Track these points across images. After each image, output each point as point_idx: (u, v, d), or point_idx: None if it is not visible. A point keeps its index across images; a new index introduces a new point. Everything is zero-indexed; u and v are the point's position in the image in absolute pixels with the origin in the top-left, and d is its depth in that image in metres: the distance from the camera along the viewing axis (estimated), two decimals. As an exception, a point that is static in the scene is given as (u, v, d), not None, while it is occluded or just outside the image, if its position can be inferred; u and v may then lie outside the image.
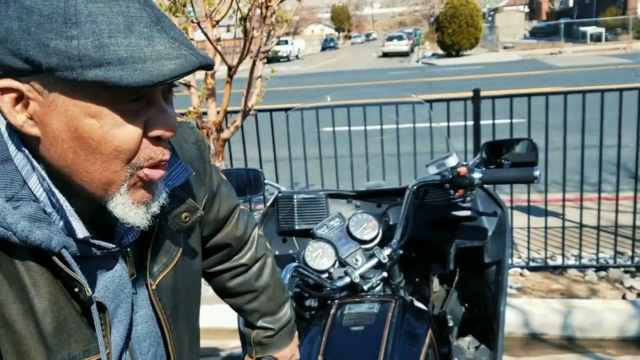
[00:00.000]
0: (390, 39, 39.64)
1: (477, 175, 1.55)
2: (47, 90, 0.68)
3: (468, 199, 1.63)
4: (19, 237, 0.68)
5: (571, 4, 46.39)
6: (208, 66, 0.72)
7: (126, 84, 0.65)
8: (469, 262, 1.76)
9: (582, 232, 3.90)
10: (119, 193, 0.74)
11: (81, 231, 0.74)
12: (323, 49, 57.81)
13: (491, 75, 18.02)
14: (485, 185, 1.78)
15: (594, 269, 3.91)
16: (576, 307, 3.28)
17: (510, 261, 4.02)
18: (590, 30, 31.11)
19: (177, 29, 0.72)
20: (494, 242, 1.71)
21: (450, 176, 1.58)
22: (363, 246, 1.74)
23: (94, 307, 0.75)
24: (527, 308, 3.31)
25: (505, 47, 32.25)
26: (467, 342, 1.71)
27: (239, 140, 4.05)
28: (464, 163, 1.59)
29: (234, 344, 3.22)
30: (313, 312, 1.68)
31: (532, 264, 4.00)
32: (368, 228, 1.77)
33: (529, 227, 3.96)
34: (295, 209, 1.89)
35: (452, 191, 1.59)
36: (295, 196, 1.90)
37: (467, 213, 1.71)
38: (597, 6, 37.67)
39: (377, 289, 1.67)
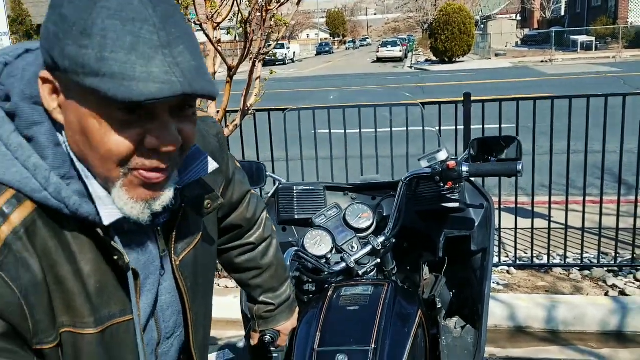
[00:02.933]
0: (384, 44, 39.92)
1: (464, 168, 1.68)
2: (66, 88, 0.78)
3: (456, 191, 1.76)
4: (70, 210, 0.80)
5: (562, 13, 46.88)
6: (194, 95, 0.77)
7: (112, 96, 0.72)
8: (456, 251, 1.89)
9: (568, 233, 4.03)
10: (115, 187, 0.81)
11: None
12: (318, 53, 57.98)
13: (482, 82, 18.23)
14: (473, 180, 1.92)
15: (578, 268, 4.05)
16: (560, 302, 3.42)
17: (497, 258, 4.16)
18: (581, 39, 31.47)
19: (188, 55, 0.76)
20: (480, 232, 1.84)
21: (440, 169, 1.71)
22: (358, 235, 1.87)
23: (130, 274, 0.88)
24: (513, 302, 3.45)
25: (497, 55, 32.55)
26: (454, 323, 1.84)
27: (237, 138, 4.16)
28: (453, 157, 1.73)
29: (230, 334, 3.33)
30: (311, 295, 1.80)
31: (518, 262, 4.14)
32: (363, 218, 1.90)
33: (516, 228, 4.10)
34: (295, 199, 2.01)
35: (441, 183, 1.72)
36: (294, 188, 2.03)
37: (456, 205, 1.84)
38: (588, 15, 38.11)
39: (371, 274, 1.80)
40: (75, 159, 0.82)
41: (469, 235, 1.85)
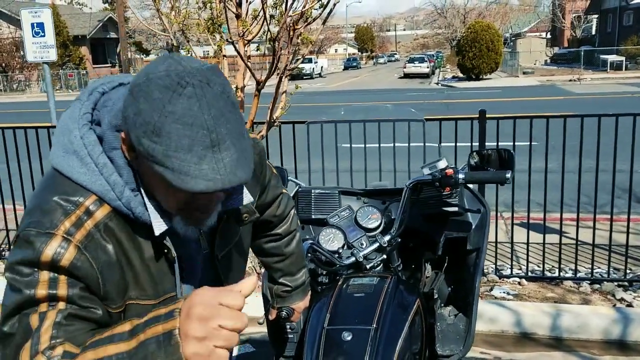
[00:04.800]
0: (411, 60, 40.09)
1: (460, 175, 1.91)
2: (141, 156, 1.00)
3: (455, 195, 1.99)
4: (136, 216, 1.07)
5: (593, 32, 46.51)
6: (230, 189, 0.99)
7: (173, 185, 0.94)
8: (455, 250, 2.10)
9: (578, 249, 4.15)
10: (174, 217, 1.08)
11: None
12: (345, 68, 58.30)
13: (508, 100, 18.30)
14: (472, 187, 2.13)
15: (589, 282, 4.17)
16: (564, 311, 3.57)
17: (509, 270, 4.32)
18: (611, 58, 31.29)
19: (232, 149, 0.96)
20: (476, 234, 2.06)
21: (440, 176, 1.94)
22: (368, 234, 2.10)
23: (176, 265, 1.16)
24: (519, 310, 3.61)
25: (524, 73, 32.49)
26: (447, 311, 2.06)
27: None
28: (452, 166, 1.95)
29: (250, 330, 3.55)
30: (324, 286, 2.03)
31: (530, 274, 4.29)
32: (372, 219, 2.13)
33: (528, 242, 4.26)
34: (313, 201, 2.26)
35: (440, 188, 1.95)
36: (312, 191, 2.28)
37: (455, 209, 2.06)
38: (618, 35, 37.78)
39: (378, 269, 2.02)
40: (139, 181, 1.07)
41: (466, 236, 2.07)
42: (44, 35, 5.53)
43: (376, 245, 2.01)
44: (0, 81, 37.24)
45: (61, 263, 0.99)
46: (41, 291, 0.99)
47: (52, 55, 5.54)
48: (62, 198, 1.04)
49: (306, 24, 4.36)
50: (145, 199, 1.07)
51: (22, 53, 36.30)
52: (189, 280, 1.21)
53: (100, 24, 41.17)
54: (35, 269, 0.99)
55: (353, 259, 1.97)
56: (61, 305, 0.99)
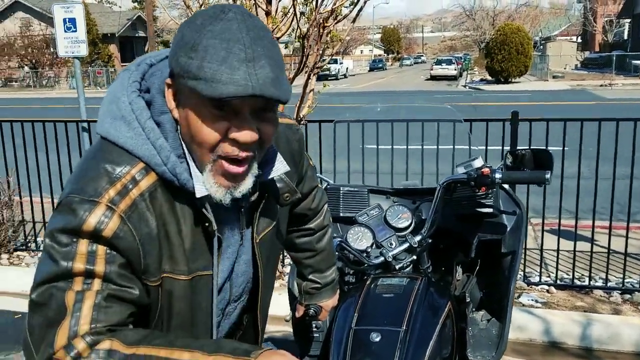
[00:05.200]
0: (439, 62, 39.80)
1: (497, 175, 1.85)
2: (178, 90, 1.04)
3: (490, 196, 1.92)
4: (180, 183, 1.05)
5: (625, 36, 45.57)
6: (263, 97, 0.96)
7: (204, 94, 0.95)
8: (488, 253, 2.04)
9: (610, 258, 4.03)
10: (205, 171, 1.04)
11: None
12: (371, 69, 58.17)
13: (537, 103, 18.00)
14: (507, 188, 2.07)
15: (620, 292, 4.05)
16: (595, 321, 3.47)
17: (538, 277, 4.22)
18: (644, 63, 30.58)
19: (268, 68, 0.97)
20: (511, 236, 1.99)
21: (475, 175, 1.87)
22: (397, 233, 2.04)
23: (215, 239, 1.12)
24: (548, 318, 3.52)
25: (554, 77, 31.96)
26: (480, 316, 1.99)
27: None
28: (488, 165, 1.89)
29: (272, 329, 3.52)
30: (351, 285, 1.99)
31: (559, 282, 4.18)
32: (403, 218, 2.08)
33: (558, 249, 4.15)
34: (341, 199, 2.22)
35: (476, 188, 1.89)
36: (341, 188, 2.23)
37: (490, 210, 2.00)
38: (652, 40, 36.96)
39: (407, 270, 1.97)
40: (184, 145, 1.07)
41: (501, 239, 2.00)
42: (75, 31, 5.59)
43: (406, 245, 1.96)
44: (30, 77, 38.01)
45: (104, 233, 0.98)
46: (78, 265, 0.97)
47: (83, 50, 5.60)
48: (108, 165, 1.03)
49: (336, 21, 4.32)
50: (191, 163, 1.05)
51: (52, 50, 37.14)
52: (223, 261, 1.18)
53: (129, 23, 41.77)
54: (74, 239, 0.98)
55: (382, 258, 1.92)
56: (97, 283, 0.98)
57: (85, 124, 5.20)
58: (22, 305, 4.21)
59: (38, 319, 0.98)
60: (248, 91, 0.95)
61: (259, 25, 1.01)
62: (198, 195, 1.05)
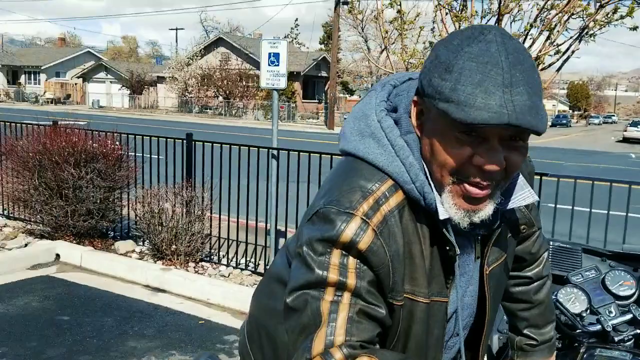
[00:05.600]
0: (634, 124, 36.49)
1: None
2: (426, 109, 1.01)
3: None
4: (426, 203, 1.02)
5: None
6: (519, 127, 0.91)
7: (454, 117, 0.92)
8: None
9: None
10: (444, 192, 1.01)
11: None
12: (553, 125, 55.11)
13: None
14: None
15: None
16: None
17: None
18: None
19: (526, 95, 0.91)
20: None
21: None
22: (617, 302, 1.79)
23: (456, 264, 1.07)
24: None
25: None
26: None
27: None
28: None
29: None
30: (557, 351, 1.77)
31: None
32: (625, 285, 1.82)
33: None
34: (551, 254, 2.01)
35: None
36: (552, 243, 2.03)
37: None
38: None
39: (629, 344, 1.71)
40: (424, 165, 1.04)
41: None
42: (277, 65, 6.03)
43: (629, 316, 1.70)
44: (223, 106, 42.13)
45: (359, 246, 0.98)
46: (332, 275, 0.97)
47: (283, 83, 6.00)
48: (361, 180, 1.03)
49: (540, 69, 4.12)
50: (432, 184, 1.02)
51: (244, 83, 40.88)
52: (455, 289, 1.12)
53: (314, 63, 44.45)
54: (329, 249, 0.98)
55: (599, 326, 1.69)
56: (347, 297, 0.97)
57: (274, 152, 5.53)
58: (207, 313, 4.53)
59: (292, 323, 0.99)
60: (503, 119, 0.90)
61: (520, 48, 0.96)
62: (441, 217, 1.01)
